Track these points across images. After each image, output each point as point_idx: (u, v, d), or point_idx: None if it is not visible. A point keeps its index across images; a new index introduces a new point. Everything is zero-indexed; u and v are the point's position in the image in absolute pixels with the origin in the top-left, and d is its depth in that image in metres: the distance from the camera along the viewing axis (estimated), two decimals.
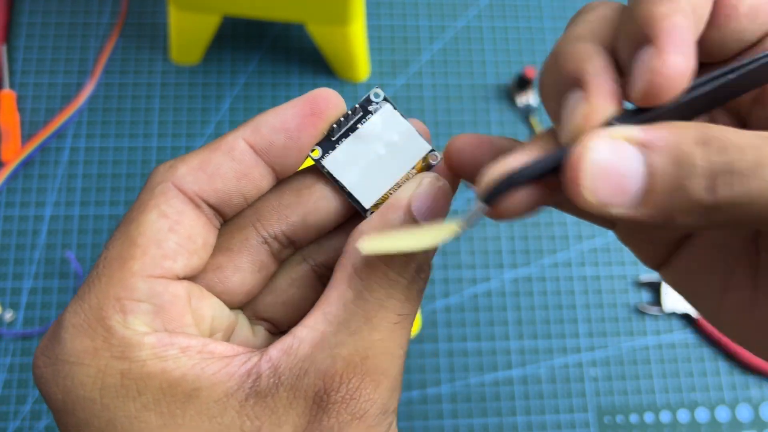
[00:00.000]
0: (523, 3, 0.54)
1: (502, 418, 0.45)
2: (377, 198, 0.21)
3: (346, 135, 0.21)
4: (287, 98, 0.50)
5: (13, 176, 0.47)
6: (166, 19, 0.52)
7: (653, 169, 0.16)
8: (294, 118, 0.20)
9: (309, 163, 0.21)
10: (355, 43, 0.48)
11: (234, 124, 0.49)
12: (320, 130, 0.20)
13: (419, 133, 0.21)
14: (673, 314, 0.48)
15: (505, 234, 0.49)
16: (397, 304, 0.19)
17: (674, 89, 0.16)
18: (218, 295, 0.21)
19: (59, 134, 0.48)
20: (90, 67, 0.50)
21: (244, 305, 0.22)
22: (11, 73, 0.49)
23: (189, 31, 0.48)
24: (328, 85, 0.51)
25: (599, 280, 0.48)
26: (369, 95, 0.21)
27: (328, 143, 0.21)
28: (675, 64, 0.16)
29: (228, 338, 0.21)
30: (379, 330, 0.19)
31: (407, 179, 0.21)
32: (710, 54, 0.18)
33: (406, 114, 0.54)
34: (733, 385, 0.47)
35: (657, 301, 0.48)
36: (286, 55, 0.51)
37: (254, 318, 0.23)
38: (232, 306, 0.21)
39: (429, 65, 0.52)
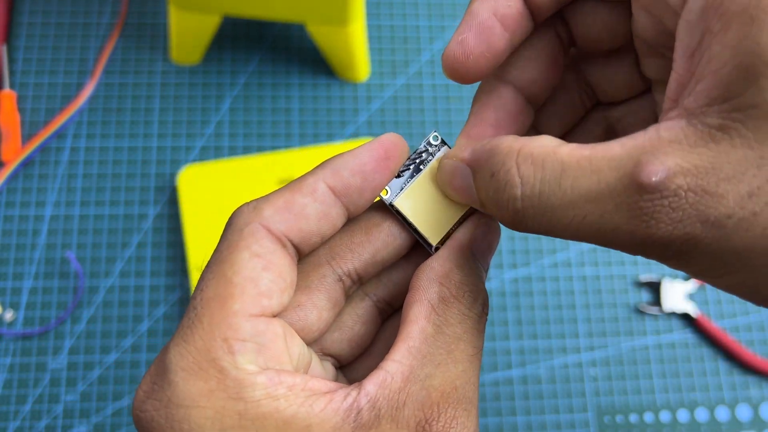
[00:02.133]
0: None
1: (502, 418, 0.45)
2: (443, 234, 0.23)
3: (411, 176, 0.23)
4: (287, 98, 0.50)
5: (14, 176, 0.47)
6: (166, 19, 0.52)
7: (474, 179, 0.20)
8: (370, 161, 0.21)
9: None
10: (355, 44, 0.48)
11: (234, 124, 0.49)
12: (392, 172, 0.22)
13: None
14: (673, 314, 0.48)
15: (505, 234, 0.49)
16: (471, 338, 0.21)
17: (464, 68, 0.21)
18: (298, 332, 0.22)
19: (59, 134, 0.48)
20: (90, 67, 0.50)
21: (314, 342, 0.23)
22: (11, 73, 0.50)
23: (189, 31, 0.48)
24: (328, 85, 0.51)
25: (599, 280, 0.48)
26: (428, 138, 0.23)
27: (395, 183, 0.23)
28: (458, 43, 0.21)
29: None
30: (461, 362, 0.20)
31: (467, 214, 0.23)
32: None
33: (407, 113, 0.53)
34: (733, 385, 0.47)
35: (657, 301, 0.48)
36: (286, 56, 0.51)
37: (321, 354, 0.23)
38: (307, 343, 0.22)
39: (429, 65, 0.52)
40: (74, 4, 0.51)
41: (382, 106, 0.51)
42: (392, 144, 0.22)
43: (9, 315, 0.45)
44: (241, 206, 0.21)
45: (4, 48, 0.49)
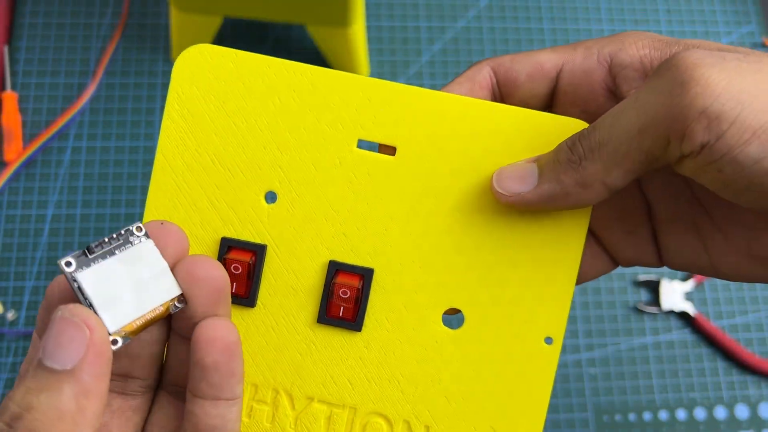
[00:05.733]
0: (522, 4, 0.55)
1: None
2: (122, 324, 0.20)
3: (104, 257, 0.20)
4: None
5: (16, 176, 0.47)
6: (167, 20, 0.52)
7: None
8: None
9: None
10: (356, 45, 0.48)
11: None
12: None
13: (173, 275, 0.21)
14: (671, 313, 0.48)
15: None
16: None
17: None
18: None
19: (61, 134, 0.49)
20: (92, 68, 0.50)
21: None
22: (13, 73, 0.50)
23: (190, 32, 0.48)
24: None
25: (598, 280, 0.49)
26: (131, 228, 0.21)
27: (83, 259, 0.20)
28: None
29: None
30: None
31: (154, 314, 0.21)
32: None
33: None
34: (731, 385, 0.47)
35: (655, 300, 0.48)
36: (286, 56, 0.51)
37: None
38: None
39: (429, 66, 0.52)
40: (76, 5, 0.52)
41: None
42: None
43: (11, 314, 0.45)
44: None
45: (6, 49, 0.50)
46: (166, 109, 0.26)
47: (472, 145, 0.24)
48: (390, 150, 0.25)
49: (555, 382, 0.46)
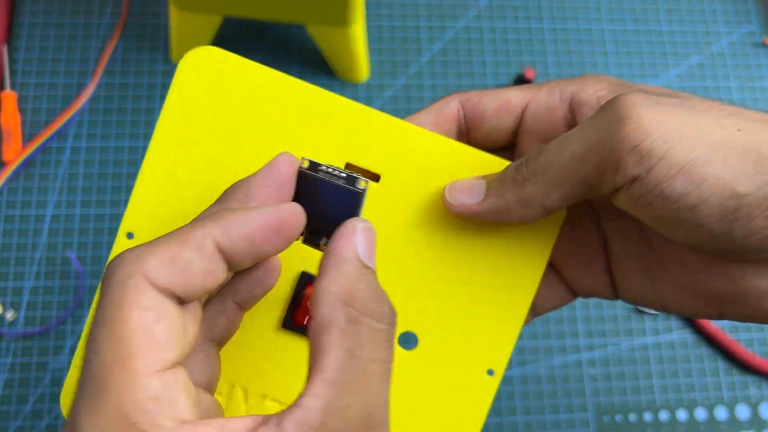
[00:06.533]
0: (522, 3, 0.54)
1: (502, 417, 0.46)
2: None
3: (323, 178, 0.23)
4: None
5: (15, 176, 0.47)
6: (166, 20, 0.52)
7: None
8: (261, 231, 0.21)
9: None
10: (356, 44, 0.48)
11: None
12: (279, 246, 0.22)
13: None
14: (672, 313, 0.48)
15: None
16: (383, 353, 0.21)
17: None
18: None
19: (60, 134, 0.49)
20: (91, 68, 0.50)
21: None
22: (12, 73, 0.50)
23: (190, 31, 0.48)
24: (329, 86, 0.51)
25: None
26: (360, 179, 0.23)
27: (313, 165, 0.23)
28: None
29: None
30: (374, 382, 0.20)
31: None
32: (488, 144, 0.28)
33: (407, 114, 0.53)
34: (732, 385, 0.47)
35: None
36: (286, 56, 0.51)
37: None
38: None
39: (429, 66, 0.52)
40: (75, 5, 0.52)
41: (382, 107, 0.51)
42: (290, 215, 0.22)
43: (10, 315, 0.45)
44: (122, 253, 0.20)
45: (5, 48, 0.50)
46: (166, 101, 0.26)
47: (433, 175, 0.26)
48: (375, 177, 0.27)
49: (556, 381, 0.47)
